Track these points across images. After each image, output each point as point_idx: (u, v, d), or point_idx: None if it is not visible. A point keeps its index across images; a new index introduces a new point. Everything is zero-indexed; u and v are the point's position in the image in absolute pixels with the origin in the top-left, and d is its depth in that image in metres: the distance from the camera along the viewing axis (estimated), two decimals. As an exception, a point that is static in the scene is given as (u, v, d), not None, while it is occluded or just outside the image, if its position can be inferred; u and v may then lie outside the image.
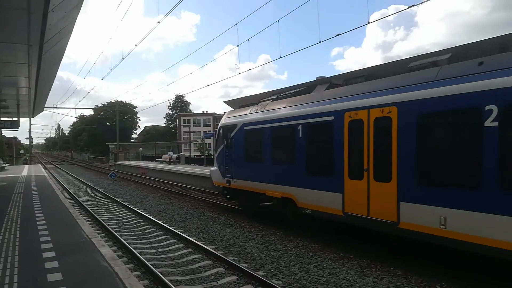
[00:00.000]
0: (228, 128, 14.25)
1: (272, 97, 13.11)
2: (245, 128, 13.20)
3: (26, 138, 55.62)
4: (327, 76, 11.35)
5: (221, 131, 14.89)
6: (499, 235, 6.12)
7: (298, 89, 12.17)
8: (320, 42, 12.27)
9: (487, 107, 6.40)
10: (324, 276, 7.82)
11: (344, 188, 9.07)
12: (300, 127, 10.50)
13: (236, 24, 15.43)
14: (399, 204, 7.75)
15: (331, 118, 9.46)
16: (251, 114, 13.13)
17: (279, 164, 11.56)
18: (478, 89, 6.56)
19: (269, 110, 12.23)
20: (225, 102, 19.28)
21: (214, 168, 15.54)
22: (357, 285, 7.31)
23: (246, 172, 13.14)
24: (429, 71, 7.79)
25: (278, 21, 14.20)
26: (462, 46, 8.39)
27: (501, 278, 6.98)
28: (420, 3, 9.48)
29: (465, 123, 6.97)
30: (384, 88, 8.38)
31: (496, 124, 6.30)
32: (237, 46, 16.64)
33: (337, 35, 11.56)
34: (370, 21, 10.85)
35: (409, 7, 10.02)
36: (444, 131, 7.46)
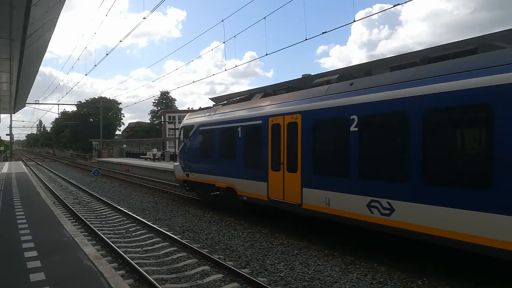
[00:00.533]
0: (187, 128, 16.19)
1: (223, 102, 15.20)
2: (200, 128, 15.18)
3: (7, 135, 54.27)
4: (312, 74, 12.05)
5: (182, 130, 16.86)
6: (361, 211, 8.28)
7: (241, 96, 14.29)
8: (306, 39, 12.31)
9: (351, 117, 8.56)
10: (309, 273, 7.90)
11: (268, 178, 11.15)
12: (239, 128, 12.56)
13: (222, 21, 15.37)
14: (302, 189, 9.92)
15: (260, 122, 11.54)
16: (205, 116, 15.12)
17: (225, 159, 13.56)
18: (347, 103, 8.75)
19: (218, 113, 14.24)
20: (210, 98, 19.28)
21: (177, 163, 17.45)
22: (341, 281, 7.40)
23: (201, 166, 15.06)
24: (322, 88, 9.98)
25: (264, 18, 14.16)
26: (348, 67, 11.27)
27: (481, 274, 7.17)
28: (404, 2, 9.62)
29: (340, 128, 9.01)
30: (294, 99, 10.57)
31: (356, 129, 8.49)
32: (223, 42, 16.57)
33: (323, 33, 11.62)
34: (355, 20, 10.94)
35: (393, 6, 10.16)
36: (328, 134, 9.73)
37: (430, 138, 7.21)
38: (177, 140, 20.58)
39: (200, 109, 16.70)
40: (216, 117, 14.21)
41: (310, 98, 9.94)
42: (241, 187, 12.40)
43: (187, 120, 16.67)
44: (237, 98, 14.44)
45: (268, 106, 11.50)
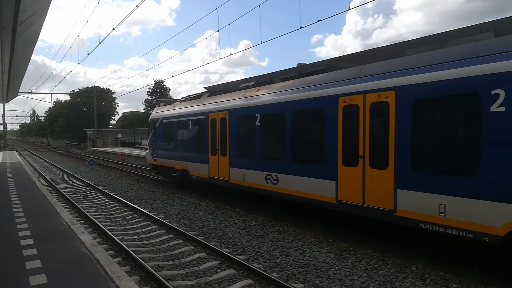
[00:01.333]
0: (154, 121, 19.13)
1: (181, 99, 18.27)
2: (163, 121, 18.12)
3: (0, 124, 53.67)
4: (307, 63, 12.55)
5: (150, 122, 19.86)
6: (262, 182, 11.31)
7: (194, 95, 17.19)
8: (301, 27, 12.24)
9: (256, 114, 11.52)
10: (304, 259, 7.99)
11: (209, 161, 14.03)
12: (189, 121, 15.55)
13: (216, 9, 15.20)
14: (229, 168, 12.83)
15: (203, 116, 14.44)
16: (167, 111, 18.06)
17: (180, 147, 16.46)
18: (254, 104, 11.73)
19: (177, 108, 17.15)
20: (205, 87, 19.34)
21: (148, 150, 20.44)
22: (336, 267, 7.50)
23: (164, 153, 18.08)
24: (242, 91, 12.80)
25: (259, 6, 14.01)
26: (262, 75, 14.29)
27: (477, 262, 7.29)
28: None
29: (250, 122, 11.72)
30: (225, 99, 13.40)
31: (259, 124, 11.42)
32: (218, 31, 16.44)
33: (318, 21, 11.55)
34: (350, 7, 10.86)
35: (388, -6, 10.09)
36: (244, 127, 12.32)
37: (295, 131, 10.26)
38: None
39: (165, 104, 19.77)
40: (174, 111, 17.17)
41: (234, 99, 12.90)
42: (192, 168, 15.48)
43: (154, 113, 19.57)
44: (190, 96, 17.52)
45: (209, 104, 14.36)
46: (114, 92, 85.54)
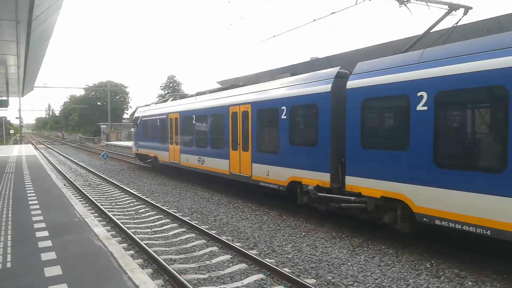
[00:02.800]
0: (137, 118, 24.41)
1: (155, 102, 23.44)
2: (142, 119, 23.27)
3: (16, 118, 54.37)
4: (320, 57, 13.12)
5: (134, 120, 25.34)
6: (196, 163, 15.94)
7: (164, 99, 22.26)
8: (314, 20, 12.06)
9: (192, 115, 16.18)
10: (317, 255, 7.95)
11: (169, 149, 18.76)
12: (157, 120, 20.39)
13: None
14: (180, 154, 17.48)
15: (165, 116, 19.17)
16: (145, 111, 23.10)
17: (152, 139, 21.23)
18: (191, 108, 16.57)
19: (151, 109, 22.15)
20: (218, 82, 19.34)
21: (133, 142, 26.18)
22: (348, 263, 7.43)
23: (143, 144, 23.15)
24: (189, 98, 17.79)
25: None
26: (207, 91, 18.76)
27: (489, 258, 7.16)
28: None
29: (189, 121, 16.58)
30: (178, 104, 18.43)
31: (194, 122, 16.11)
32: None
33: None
34: None
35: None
36: (186, 124, 16.88)
37: (211, 127, 14.77)
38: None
39: (146, 105, 24.45)
40: (149, 112, 22.08)
41: (183, 104, 17.63)
42: (159, 155, 20.22)
43: (137, 113, 25.01)
44: (161, 100, 22.54)
45: (170, 107, 19.15)
46: (127, 87, 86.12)
